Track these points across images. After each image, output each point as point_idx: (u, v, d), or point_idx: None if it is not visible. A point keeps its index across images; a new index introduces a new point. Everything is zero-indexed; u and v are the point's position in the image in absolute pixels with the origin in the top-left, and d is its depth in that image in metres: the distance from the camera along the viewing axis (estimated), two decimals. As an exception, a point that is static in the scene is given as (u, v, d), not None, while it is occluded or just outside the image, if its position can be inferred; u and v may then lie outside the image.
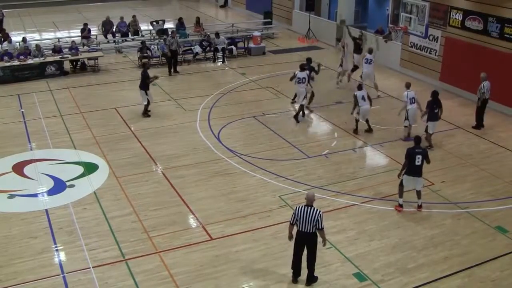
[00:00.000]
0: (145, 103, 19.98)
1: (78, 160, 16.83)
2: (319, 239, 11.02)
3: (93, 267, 11.92)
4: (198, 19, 32.06)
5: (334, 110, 20.78)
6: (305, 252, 11.20)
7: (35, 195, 14.92)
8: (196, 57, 27.70)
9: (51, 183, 15.48)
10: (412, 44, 24.49)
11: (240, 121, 19.74)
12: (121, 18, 31.42)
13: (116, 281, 11.47)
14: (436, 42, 23.10)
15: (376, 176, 15.85)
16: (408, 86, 18.07)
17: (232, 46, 28.48)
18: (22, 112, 20.89)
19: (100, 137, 18.25)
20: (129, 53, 28.80)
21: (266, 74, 25.16)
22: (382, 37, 25.99)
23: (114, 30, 31.00)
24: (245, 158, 16.57)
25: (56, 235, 13.13)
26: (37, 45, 26.37)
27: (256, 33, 29.92)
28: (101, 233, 13.16)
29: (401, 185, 13.95)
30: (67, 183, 15.44)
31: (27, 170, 16.17)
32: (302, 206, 10.94)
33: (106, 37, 30.69)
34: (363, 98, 18.05)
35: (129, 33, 31.02)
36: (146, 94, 19.97)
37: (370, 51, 21.79)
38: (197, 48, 27.81)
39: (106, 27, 30.95)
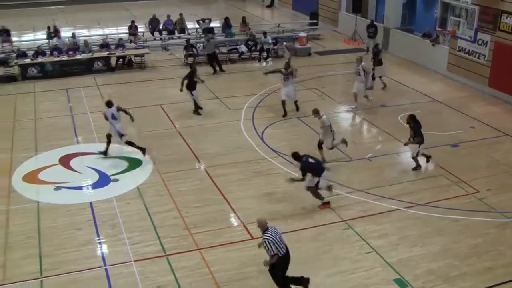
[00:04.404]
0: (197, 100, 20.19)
1: (122, 155, 17.08)
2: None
3: (134, 261, 12.08)
4: (244, 18, 32.18)
5: (379, 113, 20.58)
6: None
7: (80, 188, 15.21)
8: (242, 56, 27.79)
9: (96, 177, 15.75)
10: (460, 48, 24.07)
11: (284, 121, 19.72)
12: (168, 16, 31.80)
13: (156, 276, 11.60)
14: (485, 46, 22.64)
15: (419, 181, 15.63)
16: None
17: (277, 46, 28.47)
18: (70, 106, 21.31)
19: (144, 133, 18.47)
20: (175, 51, 29.07)
21: (311, 75, 25.05)
22: (430, 41, 25.69)
23: (160, 27, 31.36)
24: (288, 158, 16.55)
25: (99, 228, 13.36)
26: (85, 41, 26.90)
27: (302, 34, 29.85)
28: (143, 227, 13.33)
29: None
30: (112, 177, 15.69)
31: (73, 163, 16.49)
32: (272, 233, 10.48)
33: (152, 35, 31.08)
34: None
35: (176, 31, 31.34)
36: (192, 94, 20.08)
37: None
38: (243, 48, 27.91)
39: (153, 24, 31.34)
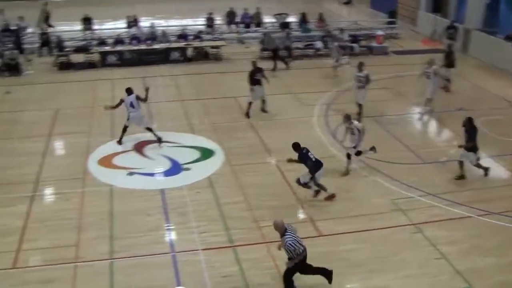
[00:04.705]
0: (253, 100, 19.65)
1: (195, 144, 17.31)
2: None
3: (201, 250, 12.22)
4: (321, 14, 31.97)
5: (456, 117, 19.99)
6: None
7: (152, 174, 15.52)
8: (318, 52, 27.63)
9: (168, 165, 16.03)
10: (546, 52, 23.14)
11: (358, 120, 19.41)
12: (245, 9, 31.95)
13: (222, 266, 11.70)
14: None
15: (494, 189, 15.10)
16: None
17: (354, 44, 28.16)
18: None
19: (218, 124, 18.65)
20: (251, 44, 29.20)
21: (387, 74, 24.65)
22: (512, 44, 24.81)
23: (237, 20, 31.56)
24: (359, 158, 16.34)
25: (169, 215, 13.59)
26: (163, 31, 27.39)
27: (379, 32, 29.41)
28: (212, 217, 13.47)
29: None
30: (183, 166, 15.92)
31: (147, 150, 16.85)
32: (292, 234, 10.47)
33: (229, 27, 31.30)
34: None
35: (252, 24, 31.46)
36: (253, 90, 19.61)
37: None
38: (319, 44, 27.75)
39: (230, 17, 31.57)
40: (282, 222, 10.53)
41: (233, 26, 31.40)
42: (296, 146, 13.99)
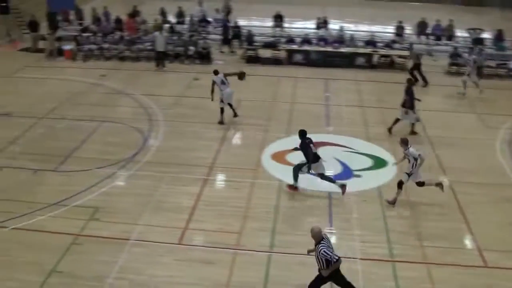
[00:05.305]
0: (412, 121, 18.68)
1: (369, 152, 17.19)
2: None
3: (360, 259, 12.15)
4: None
5: None
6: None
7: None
8: (510, 73, 26.02)
9: (339, 168, 16.12)
10: None
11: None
12: (437, 20, 30.90)
13: (378, 279, 11.58)
14: None
15: None
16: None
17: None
18: (327, 96, 21.95)
19: (394, 135, 18.27)
20: (439, 58, 28.23)
21: None
22: None
23: (428, 32, 30.68)
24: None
25: (333, 218, 13.67)
26: (351, 36, 27.44)
27: None
28: (375, 228, 13.34)
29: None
30: (354, 173, 15.88)
31: (320, 151, 16.91)
32: (327, 244, 10.15)
33: (419, 38, 30.53)
34: None
35: (443, 37, 30.42)
36: (407, 113, 18.56)
37: None
38: (513, 64, 26.15)
39: (421, 28, 30.76)
40: (320, 230, 10.25)
41: (423, 37, 30.58)
42: (302, 133, 14.58)
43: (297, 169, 14.60)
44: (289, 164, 16.15)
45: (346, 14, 36.85)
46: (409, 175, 14.14)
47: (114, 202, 14.26)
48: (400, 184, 14.18)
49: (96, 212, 13.71)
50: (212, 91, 18.87)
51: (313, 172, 14.54)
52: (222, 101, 18.80)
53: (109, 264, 11.85)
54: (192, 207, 14.03)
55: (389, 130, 18.57)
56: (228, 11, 31.86)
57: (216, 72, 19.11)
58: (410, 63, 25.16)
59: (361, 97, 22.06)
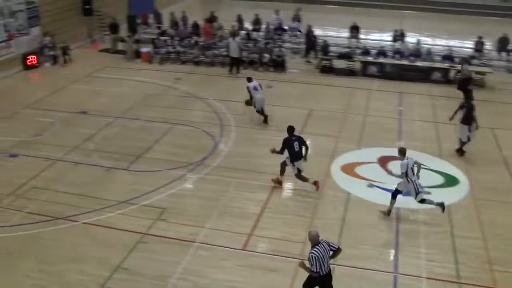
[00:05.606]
0: (464, 140, 17.81)
1: (440, 169, 16.78)
2: None
3: (425, 278, 11.88)
4: None
5: None
6: None
7: (391, 191, 15.31)
8: None
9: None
10: None
11: None
12: (520, 37, 29.92)
13: (444, 301, 11.27)
14: None
15: None
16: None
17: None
18: (400, 110, 21.60)
19: (469, 153, 17.72)
20: (520, 75, 27.31)
21: None
22: None
23: (509, 48, 29.71)
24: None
25: (400, 235, 13.41)
26: (428, 49, 26.92)
27: None
28: (443, 247, 12.99)
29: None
30: (424, 189, 15.48)
31: (391, 165, 16.70)
32: (322, 250, 10.06)
33: (499, 54, 29.63)
34: None
35: (526, 54, 29.39)
36: (469, 130, 17.66)
37: None
38: None
39: (502, 43, 29.82)
40: (317, 234, 10.21)
41: (503, 54, 29.64)
42: (290, 129, 15.16)
43: (284, 165, 15.23)
44: (358, 176, 16.01)
45: (423, 27, 36.22)
46: (417, 193, 13.83)
47: (181, 204, 14.50)
48: (394, 195, 14.11)
49: (163, 213, 13.99)
50: (250, 98, 19.95)
51: (299, 167, 15.06)
52: (255, 103, 19.89)
53: (173, 265, 12.06)
54: (258, 213, 14.09)
55: (459, 151, 17.93)
56: (297, 20, 31.95)
57: (249, 80, 20.10)
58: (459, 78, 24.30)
59: (435, 113, 21.55)
